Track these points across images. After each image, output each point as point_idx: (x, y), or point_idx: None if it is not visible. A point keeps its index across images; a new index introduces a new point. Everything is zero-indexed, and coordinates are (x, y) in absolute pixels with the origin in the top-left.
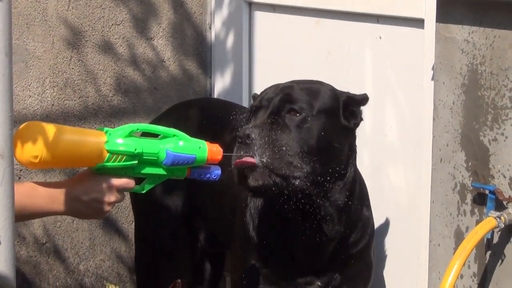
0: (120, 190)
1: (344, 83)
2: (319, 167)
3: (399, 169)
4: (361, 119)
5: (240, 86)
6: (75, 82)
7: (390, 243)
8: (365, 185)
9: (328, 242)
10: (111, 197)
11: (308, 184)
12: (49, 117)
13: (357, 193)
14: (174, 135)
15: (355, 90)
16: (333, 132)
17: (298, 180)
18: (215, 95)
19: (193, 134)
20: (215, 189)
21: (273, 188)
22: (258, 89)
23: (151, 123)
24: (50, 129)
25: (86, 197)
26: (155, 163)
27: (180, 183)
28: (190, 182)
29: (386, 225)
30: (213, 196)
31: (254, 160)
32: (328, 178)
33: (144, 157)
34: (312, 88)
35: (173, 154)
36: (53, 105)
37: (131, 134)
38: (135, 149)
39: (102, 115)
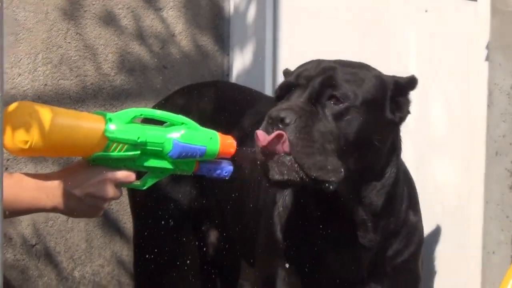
0: (118, 184)
1: (383, 64)
2: (353, 167)
3: (446, 164)
4: (408, 112)
5: (263, 65)
6: (72, 58)
7: (436, 250)
8: (413, 186)
9: (363, 252)
10: (108, 193)
11: (342, 186)
12: (41, 99)
13: (401, 194)
14: (183, 123)
15: (396, 72)
16: (376, 127)
17: (332, 186)
18: (234, 76)
19: (204, 123)
20: (233, 184)
21: (299, 187)
22: (283, 69)
23: (155, 106)
24: (43, 111)
25: (80, 192)
26: (159, 154)
27: (186, 177)
28: (195, 177)
29: (431, 229)
30: (230, 192)
31: (287, 147)
32: (363, 179)
33: (147, 147)
34: (358, 74)
35: (181, 145)
36: (46, 84)
37: (133, 120)
38: (138, 138)
39: (102, 97)
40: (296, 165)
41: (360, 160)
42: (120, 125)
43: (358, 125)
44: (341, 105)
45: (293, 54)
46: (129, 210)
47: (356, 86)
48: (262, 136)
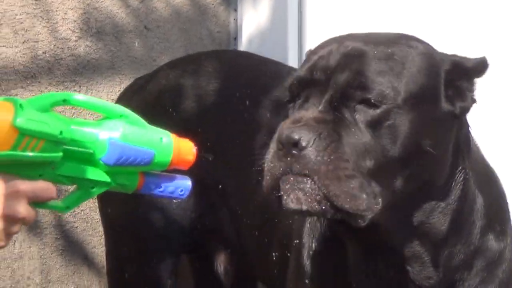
0: (33, 201)
1: (445, 29)
2: (402, 188)
3: None
4: (474, 101)
5: (285, 24)
6: (16, 17)
7: None
8: (498, 193)
9: None
10: (18, 211)
11: (385, 216)
12: None
13: (472, 209)
14: (121, 116)
15: (463, 45)
16: (428, 128)
17: (364, 221)
18: (244, 41)
19: (205, 112)
20: (255, 200)
21: (326, 216)
22: (313, 31)
23: (133, 85)
24: None
25: None
26: (89, 159)
27: None
28: (203, 185)
29: None
30: (254, 207)
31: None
32: (419, 201)
33: (73, 148)
34: (396, 56)
35: (120, 145)
36: None
37: (53, 108)
38: (61, 132)
39: (60, 71)
40: (319, 193)
41: (411, 178)
42: (35, 114)
43: (404, 131)
44: (377, 109)
45: (326, 8)
46: (100, 228)
47: (394, 76)
48: None
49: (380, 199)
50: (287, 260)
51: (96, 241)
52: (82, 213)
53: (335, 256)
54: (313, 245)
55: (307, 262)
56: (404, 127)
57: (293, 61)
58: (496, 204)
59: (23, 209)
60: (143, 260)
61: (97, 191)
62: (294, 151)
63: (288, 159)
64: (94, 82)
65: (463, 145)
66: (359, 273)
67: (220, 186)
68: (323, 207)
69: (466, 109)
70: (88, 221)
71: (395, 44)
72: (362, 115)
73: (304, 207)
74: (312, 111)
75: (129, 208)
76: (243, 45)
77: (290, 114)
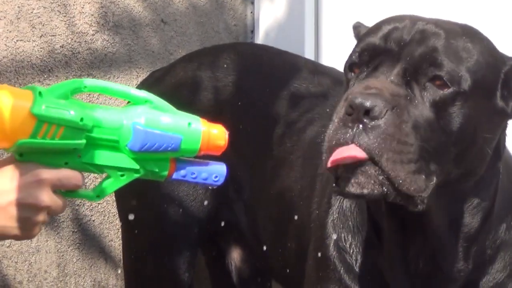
0: (58, 190)
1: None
2: (448, 176)
3: None
4: None
5: (302, 18)
6: (34, 12)
7: None
8: None
9: (444, 282)
10: (41, 199)
11: (430, 201)
12: None
13: (500, 201)
14: (146, 101)
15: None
16: (483, 120)
17: (421, 204)
18: (261, 33)
19: (222, 104)
20: (275, 190)
21: (387, 200)
22: (331, 23)
23: (151, 79)
24: None
25: (2, 198)
26: (114, 147)
27: None
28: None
29: None
30: (270, 200)
31: (362, 154)
32: (456, 192)
33: (96, 135)
34: (469, 44)
35: (144, 130)
36: None
37: (73, 95)
38: (81, 119)
39: (77, 65)
40: (382, 177)
41: (457, 167)
42: (55, 101)
43: (464, 118)
44: (446, 90)
45: (343, 1)
46: (117, 222)
47: (465, 63)
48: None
49: (434, 177)
50: (304, 252)
51: (113, 234)
52: (99, 206)
53: (366, 246)
54: (342, 235)
55: (333, 252)
56: (465, 114)
57: (309, 54)
58: None
59: (46, 197)
60: (160, 253)
61: (127, 178)
62: (364, 119)
63: (355, 126)
64: (111, 75)
65: (501, 144)
66: (391, 262)
67: (236, 179)
68: (385, 191)
69: None
70: (105, 215)
71: (468, 33)
72: (431, 93)
73: (365, 191)
74: (384, 81)
75: (146, 201)
76: (260, 39)
77: (355, 80)
